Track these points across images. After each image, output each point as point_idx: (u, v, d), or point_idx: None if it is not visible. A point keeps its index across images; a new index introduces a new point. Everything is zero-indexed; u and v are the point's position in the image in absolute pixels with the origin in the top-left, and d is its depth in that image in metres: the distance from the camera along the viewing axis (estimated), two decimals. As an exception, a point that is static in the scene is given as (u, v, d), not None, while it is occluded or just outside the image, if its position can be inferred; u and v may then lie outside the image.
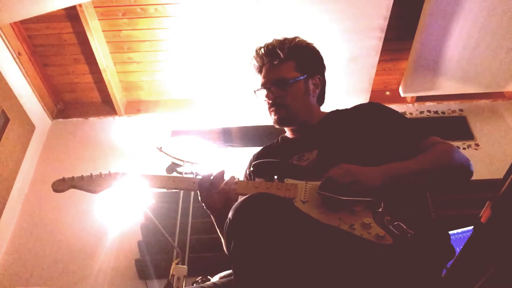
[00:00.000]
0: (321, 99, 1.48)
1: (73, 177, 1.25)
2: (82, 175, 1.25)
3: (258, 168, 1.26)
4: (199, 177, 1.24)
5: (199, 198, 1.22)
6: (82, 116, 3.90)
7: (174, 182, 1.27)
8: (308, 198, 1.10)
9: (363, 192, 1.03)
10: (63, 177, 1.25)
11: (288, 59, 1.37)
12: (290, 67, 1.38)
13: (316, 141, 1.30)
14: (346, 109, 1.39)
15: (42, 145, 3.70)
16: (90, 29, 3.23)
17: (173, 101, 3.93)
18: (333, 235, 0.99)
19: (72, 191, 1.26)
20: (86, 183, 1.24)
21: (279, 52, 1.36)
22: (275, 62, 1.38)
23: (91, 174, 1.25)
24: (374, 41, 3.30)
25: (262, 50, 1.41)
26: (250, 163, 1.46)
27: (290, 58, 1.38)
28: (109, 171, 1.26)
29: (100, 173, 1.26)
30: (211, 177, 1.20)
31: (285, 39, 1.42)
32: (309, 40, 1.47)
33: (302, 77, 1.38)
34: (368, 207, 1.03)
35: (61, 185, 1.23)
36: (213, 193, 1.19)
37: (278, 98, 1.36)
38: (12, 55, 3.34)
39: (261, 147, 1.52)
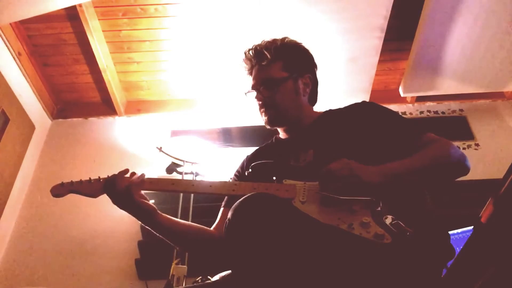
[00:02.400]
0: (313, 99, 1.47)
1: (71, 181, 1.24)
2: (80, 180, 1.24)
3: (256, 169, 1.26)
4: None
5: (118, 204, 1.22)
6: (82, 116, 3.90)
7: (173, 185, 1.27)
8: (307, 198, 1.10)
9: (361, 187, 1.03)
10: (62, 182, 1.24)
11: (275, 59, 1.38)
12: (278, 67, 1.38)
13: (311, 141, 1.30)
14: (340, 109, 1.39)
15: (42, 145, 3.69)
16: (90, 29, 3.23)
17: (173, 101, 3.93)
18: (332, 235, 0.99)
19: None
20: (85, 188, 1.23)
21: (266, 53, 1.37)
22: (263, 63, 1.38)
23: (90, 178, 1.24)
24: (374, 41, 3.30)
25: (251, 52, 1.42)
26: (243, 164, 1.46)
27: (278, 58, 1.38)
28: (108, 175, 1.26)
29: (99, 177, 1.25)
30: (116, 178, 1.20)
31: (274, 39, 1.42)
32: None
33: (290, 77, 1.38)
34: (367, 206, 1.03)
35: (60, 190, 1.23)
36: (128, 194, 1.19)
37: (267, 99, 1.37)
38: (12, 55, 3.34)
39: (253, 151, 1.52)
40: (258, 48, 1.40)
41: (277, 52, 1.38)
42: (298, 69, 1.41)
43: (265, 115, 1.38)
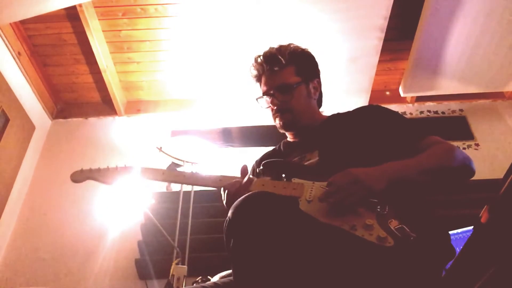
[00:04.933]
0: (319, 102, 1.51)
1: (90, 168, 1.31)
2: (99, 167, 1.31)
3: (267, 167, 1.27)
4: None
5: (224, 202, 1.23)
6: (82, 116, 3.90)
7: (184, 177, 1.30)
8: (313, 197, 1.10)
9: (367, 194, 1.04)
10: (82, 169, 1.31)
11: (288, 64, 1.39)
12: (291, 72, 1.40)
13: (317, 142, 1.31)
14: (347, 112, 1.40)
15: (42, 145, 3.69)
16: (90, 29, 3.23)
17: (173, 101, 3.92)
18: (334, 235, 0.99)
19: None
20: (102, 175, 1.30)
21: (280, 58, 1.38)
22: (275, 69, 1.39)
23: (108, 166, 1.31)
24: (374, 41, 3.30)
25: (261, 58, 1.42)
26: (253, 169, 1.47)
27: (290, 64, 1.40)
28: (125, 164, 1.32)
29: (116, 166, 1.31)
30: (237, 184, 1.20)
31: (281, 45, 1.43)
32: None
33: (303, 81, 1.41)
34: (372, 208, 1.03)
35: (79, 176, 1.30)
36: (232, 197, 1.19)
37: (283, 103, 1.38)
38: (12, 55, 3.34)
39: (262, 154, 1.53)
40: (268, 53, 1.41)
41: (289, 57, 1.39)
42: (309, 74, 1.44)
43: (281, 119, 1.39)
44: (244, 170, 1.25)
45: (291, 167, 1.25)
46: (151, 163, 3.32)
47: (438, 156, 1.14)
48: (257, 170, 1.37)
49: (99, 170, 1.30)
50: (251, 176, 1.28)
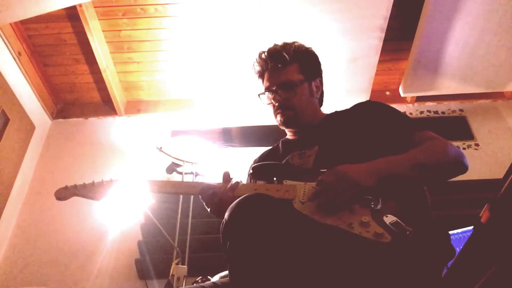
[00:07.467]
0: (321, 101, 1.51)
1: (75, 185, 1.27)
2: (84, 183, 1.27)
3: (257, 170, 1.27)
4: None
5: (205, 206, 1.23)
6: (82, 116, 3.90)
7: (174, 187, 1.28)
8: (306, 198, 1.10)
9: (358, 191, 1.04)
10: (66, 186, 1.26)
11: (292, 62, 1.40)
12: (295, 70, 1.40)
13: (317, 139, 1.32)
14: (346, 109, 1.41)
15: (42, 145, 3.69)
16: (90, 29, 3.23)
17: (173, 101, 3.93)
18: (331, 234, 0.99)
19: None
20: (88, 191, 1.26)
21: (285, 55, 1.38)
22: (279, 65, 1.40)
23: (93, 181, 1.27)
24: (374, 41, 3.30)
25: (265, 54, 1.42)
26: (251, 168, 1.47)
27: (294, 61, 1.40)
28: (111, 178, 1.28)
29: (102, 180, 1.27)
30: (213, 186, 1.21)
31: (286, 43, 1.44)
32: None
33: (306, 80, 1.41)
34: (367, 205, 1.03)
35: (63, 193, 1.25)
36: (216, 200, 1.20)
37: (285, 100, 1.38)
38: (12, 55, 3.34)
39: (261, 153, 1.53)
40: (273, 50, 1.41)
41: (294, 55, 1.40)
42: (312, 72, 1.44)
43: (282, 116, 1.39)
44: (226, 176, 1.24)
45: (282, 169, 1.25)
46: (151, 163, 3.35)
47: (431, 151, 1.14)
48: (247, 174, 1.36)
49: (84, 185, 1.26)
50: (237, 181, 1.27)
